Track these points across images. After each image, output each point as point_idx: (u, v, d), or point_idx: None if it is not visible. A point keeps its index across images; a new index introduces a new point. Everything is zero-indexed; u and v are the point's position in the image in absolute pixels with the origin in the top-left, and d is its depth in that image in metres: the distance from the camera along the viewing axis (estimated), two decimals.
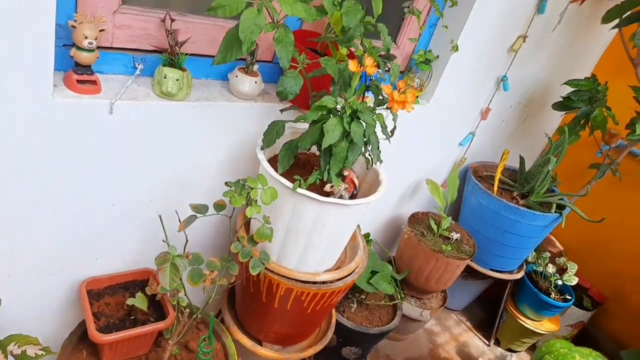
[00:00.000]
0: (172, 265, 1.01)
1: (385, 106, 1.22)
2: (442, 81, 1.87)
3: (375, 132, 1.22)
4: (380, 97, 1.25)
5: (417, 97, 1.87)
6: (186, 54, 1.25)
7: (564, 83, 2.08)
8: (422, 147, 2.07)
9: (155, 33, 1.24)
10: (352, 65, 1.10)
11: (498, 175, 2.22)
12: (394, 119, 1.23)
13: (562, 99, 2.12)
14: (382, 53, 1.27)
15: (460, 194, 2.36)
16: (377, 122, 1.21)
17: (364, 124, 1.17)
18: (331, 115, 1.18)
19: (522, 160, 2.28)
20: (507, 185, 2.28)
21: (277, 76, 1.52)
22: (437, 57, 1.82)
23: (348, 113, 1.14)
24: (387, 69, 1.27)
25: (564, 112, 2.36)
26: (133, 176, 1.30)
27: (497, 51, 1.99)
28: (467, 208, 2.32)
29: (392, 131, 1.30)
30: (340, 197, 1.27)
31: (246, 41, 0.99)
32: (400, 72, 1.88)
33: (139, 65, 1.25)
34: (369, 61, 1.11)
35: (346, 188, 1.28)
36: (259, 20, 1.00)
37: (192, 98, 1.29)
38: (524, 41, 1.99)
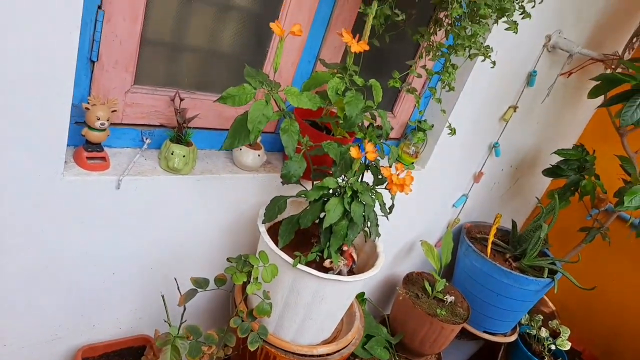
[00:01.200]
0: (173, 347, 1.02)
1: (384, 186, 1.26)
2: (437, 148, 1.94)
3: (374, 211, 1.26)
4: (380, 177, 1.29)
5: (413, 163, 1.93)
6: (193, 128, 1.30)
7: (554, 152, 2.15)
8: (417, 209, 2.11)
9: (164, 110, 1.29)
10: (354, 152, 1.15)
11: (491, 238, 2.26)
12: (392, 198, 1.27)
13: (551, 167, 2.19)
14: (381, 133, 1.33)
15: (454, 255, 2.39)
16: (376, 200, 1.26)
17: (363, 203, 1.21)
18: (331, 194, 1.22)
19: (514, 224, 2.33)
20: (500, 247, 2.32)
21: (279, 145, 1.58)
22: (432, 126, 1.90)
23: (349, 194, 1.18)
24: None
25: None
26: (136, 246, 1.32)
27: (490, 120, 2.07)
28: (460, 269, 2.34)
29: (391, 208, 1.34)
30: (339, 272, 1.29)
31: (254, 130, 1.04)
32: (397, 138, 1.95)
33: (146, 139, 1.29)
34: (369, 147, 1.17)
35: (345, 263, 1.30)
36: (266, 110, 1.05)
37: (196, 171, 1.33)
38: (515, 111, 2.08)
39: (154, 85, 1.26)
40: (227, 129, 1.20)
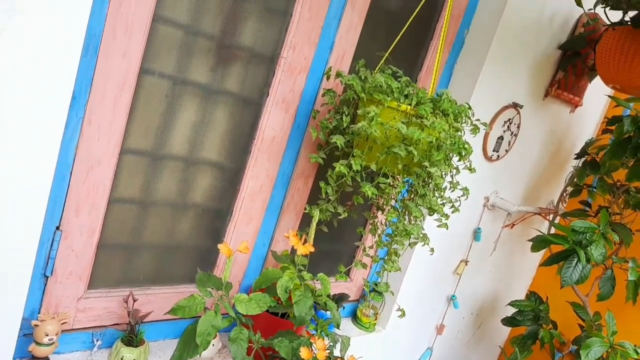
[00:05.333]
0: None
1: None
2: (396, 307, 1.97)
3: None
4: None
5: (374, 324, 1.95)
6: (147, 322, 1.31)
7: (508, 304, 2.22)
8: None
9: (117, 309, 1.31)
10: (304, 353, 1.17)
11: None
12: None
13: (509, 317, 2.24)
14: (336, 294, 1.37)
15: None
16: None
17: None
18: None
19: None
20: None
21: None
22: (388, 286, 1.95)
23: None
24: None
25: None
26: None
27: (444, 274, 2.15)
28: None
29: None
30: None
31: (202, 344, 1.06)
32: (354, 300, 1.99)
33: (97, 341, 1.28)
34: (320, 345, 1.19)
35: None
36: (215, 321, 1.08)
37: None
38: (466, 265, 2.18)
39: (108, 287, 1.29)
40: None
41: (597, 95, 2.34)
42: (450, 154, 1.27)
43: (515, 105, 1.97)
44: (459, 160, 1.28)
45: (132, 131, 1.21)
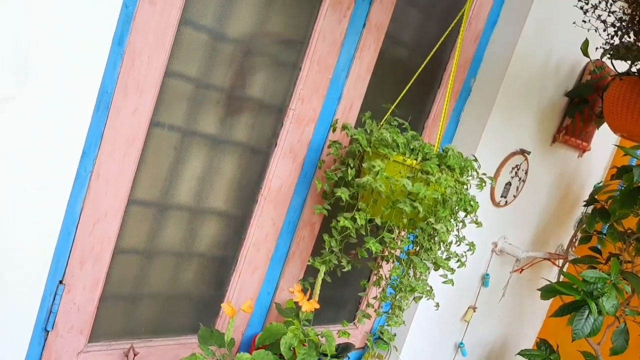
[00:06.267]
0: None
1: None
2: (402, 356, 1.93)
3: None
4: None
5: None
6: None
7: (517, 354, 2.16)
8: None
9: None
10: None
11: None
12: None
13: None
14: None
15: None
16: None
17: None
18: None
19: None
20: None
21: None
22: (395, 335, 1.91)
23: None
24: None
25: None
26: None
27: (451, 321, 2.11)
28: None
29: None
30: None
31: None
32: (360, 349, 1.95)
33: None
34: None
35: None
36: None
37: None
38: (474, 311, 2.13)
39: (109, 340, 1.28)
40: None
41: (605, 139, 2.33)
42: (456, 208, 1.26)
43: (523, 152, 1.97)
44: (465, 216, 1.27)
45: (140, 183, 1.22)
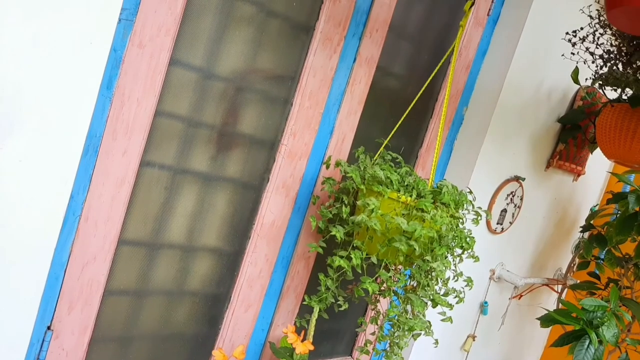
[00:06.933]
0: None
1: None
2: None
3: None
4: None
5: None
6: None
7: None
8: None
9: None
10: None
11: None
12: None
13: None
14: None
15: None
16: None
17: None
18: None
19: None
20: None
21: None
22: None
23: None
24: None
25: None
26: None
27: (451, 350, 2.07)
28: None
29: None
30: None
31: None
32: None
33: None
34: None
35: None
36: None
37: None
38: (474, 340, 2.10)
39: None
40: None
41: (600, 162, 2.33)
42: (453, 244, 1.25)
43: (517, 179, 1.96)
44: (462, 252, 1.25)
45: (130, 223, 1.20)
